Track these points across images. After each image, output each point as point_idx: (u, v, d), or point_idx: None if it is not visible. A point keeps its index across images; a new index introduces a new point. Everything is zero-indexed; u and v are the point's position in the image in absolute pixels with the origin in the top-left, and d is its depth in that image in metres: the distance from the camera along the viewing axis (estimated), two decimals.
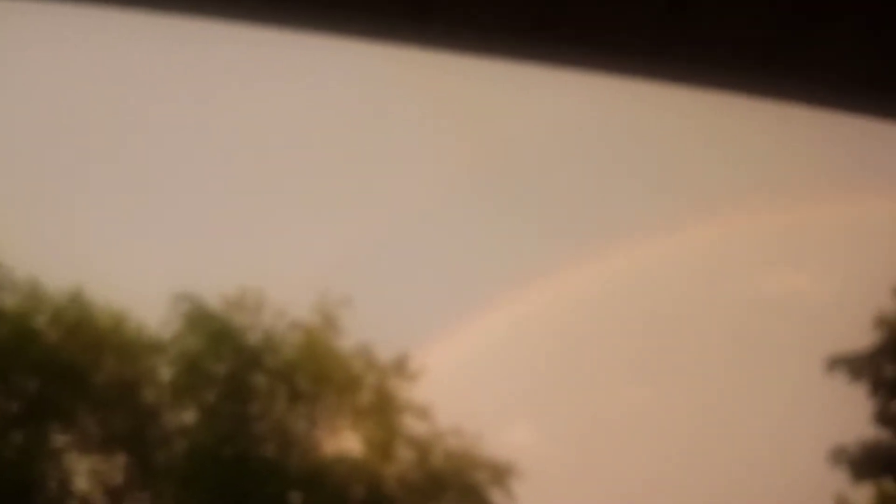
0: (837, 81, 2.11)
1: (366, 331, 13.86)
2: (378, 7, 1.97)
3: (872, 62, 2.07)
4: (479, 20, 2.00)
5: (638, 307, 13.51)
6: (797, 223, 12.97)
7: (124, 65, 12.88)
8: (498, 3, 1.99)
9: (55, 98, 13.62)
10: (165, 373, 14.47)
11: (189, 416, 14.39)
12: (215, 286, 13.93)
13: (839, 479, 11.78)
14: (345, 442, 14.26)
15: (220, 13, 2.03)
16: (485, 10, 1.98)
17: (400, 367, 14.18)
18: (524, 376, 13.90)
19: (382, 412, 14.12)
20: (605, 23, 2.02)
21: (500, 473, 13.83)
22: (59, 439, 14.05)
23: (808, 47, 2.06)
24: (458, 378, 14.15)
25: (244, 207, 14.55)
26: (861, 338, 11.79)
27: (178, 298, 14.12)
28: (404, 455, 14.08)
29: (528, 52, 2.09)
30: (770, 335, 12.75)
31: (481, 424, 13.52)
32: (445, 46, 2.09)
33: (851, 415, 11.80)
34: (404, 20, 2.00)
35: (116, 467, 14.05)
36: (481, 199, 14.06)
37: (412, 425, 14.13)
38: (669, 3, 2.03)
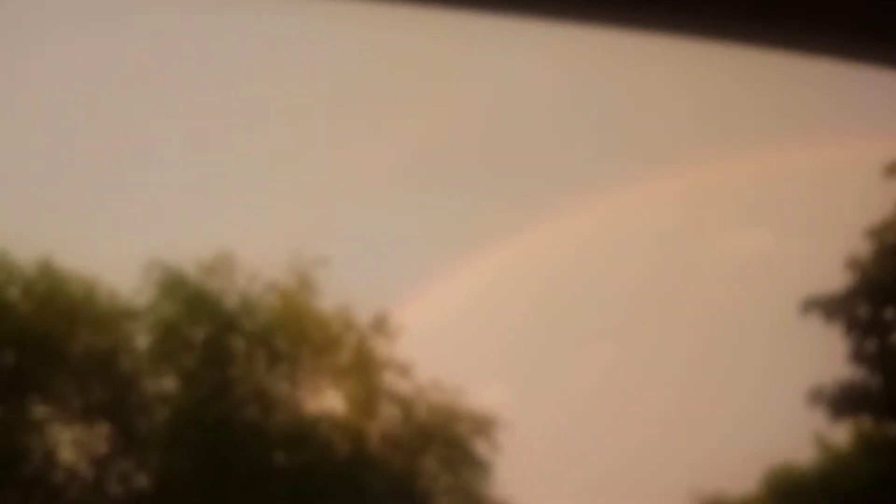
0: (828, 29, 2.07)
1: (344, 291, 13.91)
2: None
3: (864, 10, 2.04)
4: None
5: (614, 258, 13.68)
6: (769, 170, 13.17)
7: (100, 35, 12.66)
8: None
9: (28, 69, 13.38)
10: (142, 340, 14.41)
11: (169, 383, 14.35)
12: (189, 251, 13.86)
13: (818, 419, 12.13)
14: (327, 401, 14.35)
15: None
16: None
17: (379, 325, 14.25)
18: (497, 333, 14.05)
19: (363, 370, 14.17)
20: None
21: (483, 425, 14.01)
22: (40, 411, 13.96)
23: None
24: (437, 334, 14.27)
25: (216, 172, 14.44)
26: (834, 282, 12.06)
27: (151, 265, 14.04)
28: (387, 412, 14.20)
29: (507, 4, 2.01)
30: (743, 284, 12.99)
31: (461, 379, 13.68)
32: (450, 3, 1.99)
33: (827, 355, 12.10)
34: None
35: (99, 436, 13.99)
36: (455, 158, 14.09)
37: (393, 382, 14.25)
38: None
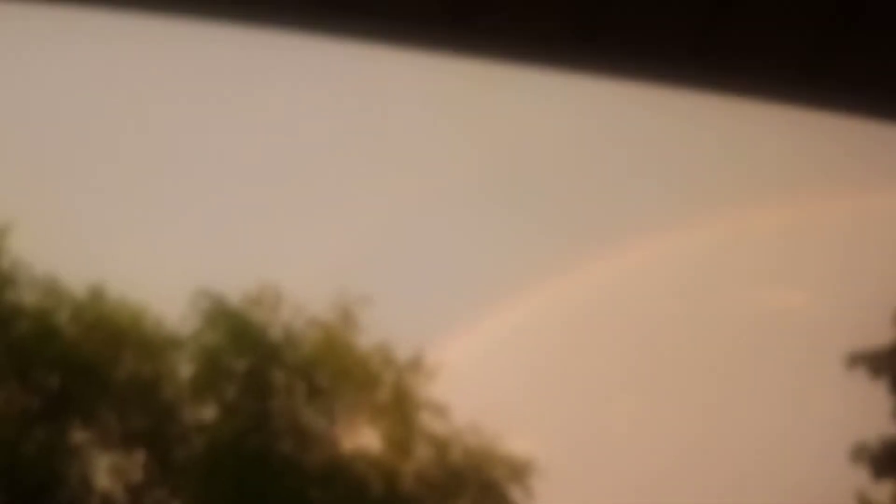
0: (871, 89, 2.11)
1: (383, 328, 13.82)
2: (419, 14, 1.97)
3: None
4: (518, 28, 1.98)
5: (650, 306, 13.42)
6: (799, 223, 12.88)
7: (150, 67, 12.87)
8: (539, 12, 1.99)
9: (80, 99, 13.61)
10: (185, 369, 14.41)
11: (209, 413, 14.32)
12: (234, 283, 13.90)
13: (860, 477, 11.67)
14: (363, 438, 14.20)
15: (247, 18, 2.02)
16: (524, 18, 1.97)
17: (417, 364, 14.11)
18: (526, 378, 13.84)
19: (400, 409, 14.03)
20: (644, 32, 2.02)
21: (519, 470, 13.74)
22: (80, 435, 14.00)
23: (842, 57, 2.06)
24: (475, 375, 14.08)
25: (264, 206, 14.50)
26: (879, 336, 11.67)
27: (197, 295, 14.09)
28: (422, 452, 14.00)
29: (568, 60, 2.08)
30: (788, 338, 12.64)
31: (498, 421, 13.46)
32: (485, 54, 2.07)
33: (872, 412, 11.67)
34: (444, 27, 1.99)
35: (136, 464, 13.97)
36: (495, 201, 14.01)
37: (430, 422, 14.08)
38: (708, 15, 2.04)
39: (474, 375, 13.98)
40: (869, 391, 11.61)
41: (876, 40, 2.05)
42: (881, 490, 11.94)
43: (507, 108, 12.80)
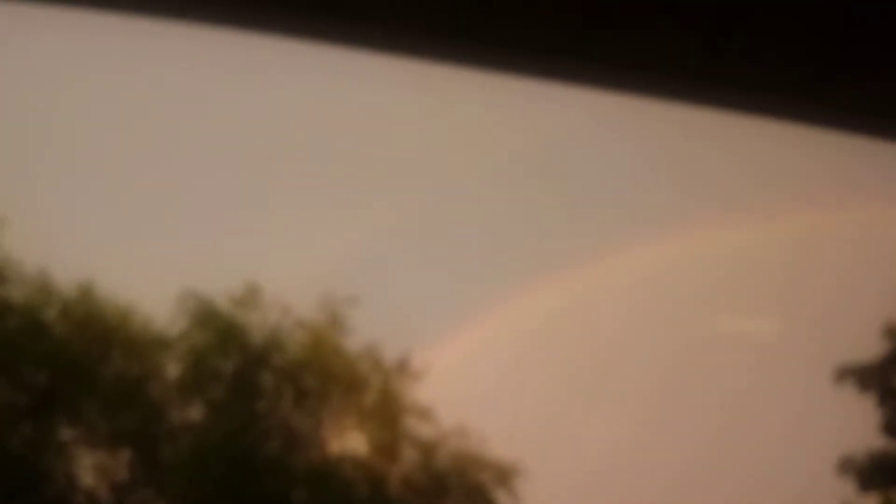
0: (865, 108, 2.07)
1: (371, 330, 13.66)
2: (416, 24, 1.91)
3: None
4: (515, 38, 1.94)
5: (632, 319, 13.29)
6: (773, 239, 12.79)
7: (141, 67, 12.68)
8: (536, 22, 1.93)
9: (68, 96, 13.40)
10: (172, 369, 14.24)
11: (195, 413, 14.14)
12: (222, 284, 13.72)
13: (847, 489, 11.55)
14: (350, 441, 14.03)
15: (242, 22, 1.90)
16: (521, 28, 1.92)
17: (404, 367, 13.96)
18: (511, 382, 13.71)
19: (387, 413, 13.88)
20: (637, 48, 1.97)
21: (505, 474, 13.58)
22: (66, 433, 13.79)
23: (843, 77, 2.02)
24: (462, 379, 13.95)
25: (251, 206, 14.30)
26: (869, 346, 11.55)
27: (184, 296, 13.90)
28: (409, 455, 13.85)
29: (563, 71, 2.04)
30: (775, 347, 12.52)
31: (484, 425, 13.32)
32: (481, 64, 2.03)
33: (859, 425, 11.56)
34: (439, 37, 1.95)
35: (122, 463, 13.76)
36: (483, 208, 13.88)
37: (416, 426, 13.91)
38: (711, 35, 1.99)
39: (461, 379, 13.83)
40: (857, 405, 11.50)
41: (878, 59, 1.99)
42: (867, 503, 11.83)
43: (495, 116, 12.66)
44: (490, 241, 13.84)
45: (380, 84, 12.20)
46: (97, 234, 13.94)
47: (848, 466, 11.47)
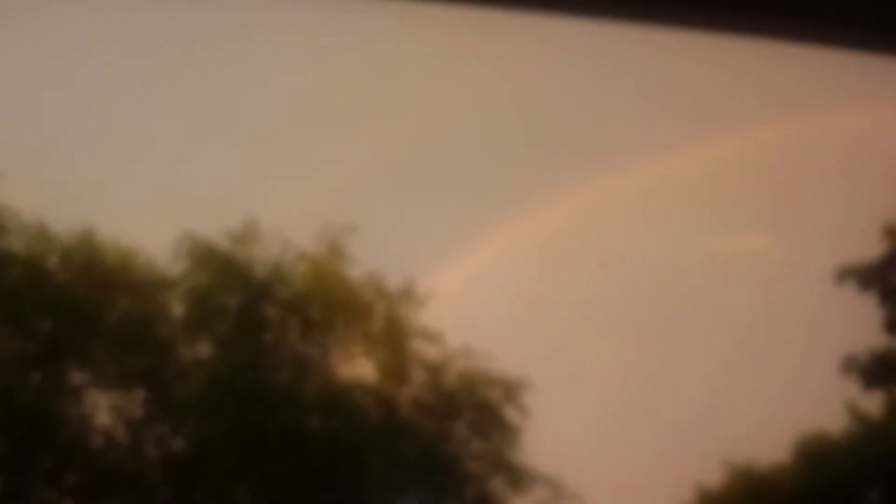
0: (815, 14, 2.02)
1: (374, 259, 13.67)
2: None
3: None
4: None
5: (630, 236, 13.35)
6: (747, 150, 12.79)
7: (133, 14, 12.41)
8: None
9: (58, 39, 13.13)
10: (178, 309, 14.27)
11: (204, 350, 14.22)
12: (221, 221, 13.64)
13: (850, 388, 11.78)
14: (359, 368, 14.16)
15: None
16: None
17: (408, 293, 14.02)
18: (513, 302, 13.80)
19: (394, 337, 13.98)
20: None
21: (513, 390, 13.77)
22: (77, 377, 13.87)
23: None
24: (465, 301, 14.03)
25: (248, 141, 14.17)
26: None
27: (182, 237, 13.86)
28: (417, 378, 14.00)
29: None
30: (772, 257, 12.61)
31: (489, 344, 13.44)
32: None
33: (862, 324, 11.73)
34: None
35: (135, 402, 13.88)
36: (483, 132, 13.80)
37: (423, 349, 14.03)
38: None
39: (464, 301, 13.91)
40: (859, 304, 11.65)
41: None
42: (871, 400, 12.08)
43: (487, 48, 12.52)
44: (485, 168, 13.82)
45: (365, 25, 12.04)
46: (93, 179, 13.80)
47: (852, 366, 11.67)
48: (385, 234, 13.79)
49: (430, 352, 13.94)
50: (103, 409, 13.82)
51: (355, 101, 13.71)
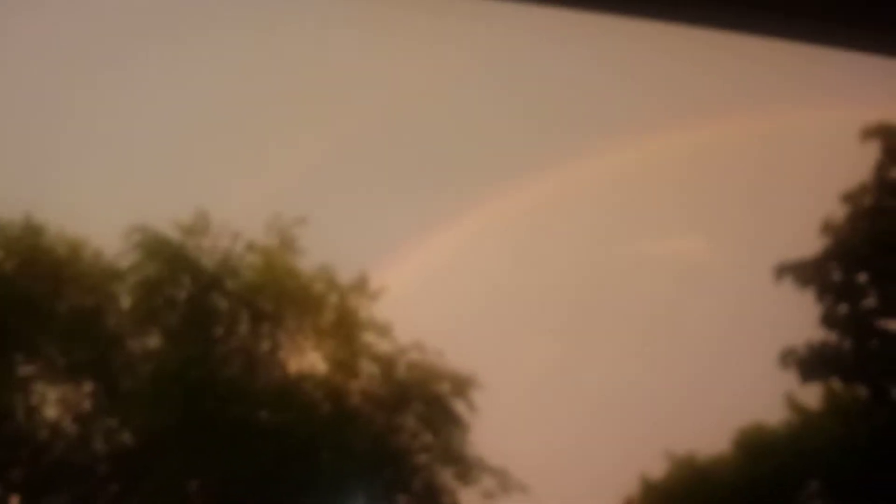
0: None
1: (327, 252, 13.67)
2: None
3: None
4: None
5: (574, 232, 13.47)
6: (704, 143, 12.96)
7: (92, 2, 12.25)
8: None
9: (14, 24, 12.94)
10: (126, 300, 14.14)
11: (153, 342, 14.11)
12: (170, 212, 13.56)
13: (789, 381, 12.01)
14: (309, 360, 14.14)
15: None
16: None
17: (360, 286, 14.03)
18: (464, 298, 13.88)
19: (345, 330, 13.97)
20: None
21: (462, 385, 13.85)
22: (25, 369, 13.71)
23: None
24: (416, 295, 14.08)
25: (198, 133, 14.10)
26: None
27: (131, 228, 13.74)
28: (368, 370, 14.02)
29: None
30: (711, 256, 12.80)
31: (440, 339, 13.51)
32: None
33: (799, 319, 11.95)
34: None
35: (83, 394, 13.75)
36: (435, 126, 13.85)
37: (375, 342, 14.05)
38: None
39: (415, 296, 13.97)
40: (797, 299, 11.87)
41: None
42: (809, 393, 12.33)
43: (449, 35, 12.56)
44: (438, 164, 13.87)
45: (326, 15, 12.02)
46: (40, 169, 13.64)
47: (790, 359, 11.90)
48: (338, 227, 13.80)
49: (382, 345, 13.96)
50: (51, 402, 13.67)
51: (307, 92, 13.68)
